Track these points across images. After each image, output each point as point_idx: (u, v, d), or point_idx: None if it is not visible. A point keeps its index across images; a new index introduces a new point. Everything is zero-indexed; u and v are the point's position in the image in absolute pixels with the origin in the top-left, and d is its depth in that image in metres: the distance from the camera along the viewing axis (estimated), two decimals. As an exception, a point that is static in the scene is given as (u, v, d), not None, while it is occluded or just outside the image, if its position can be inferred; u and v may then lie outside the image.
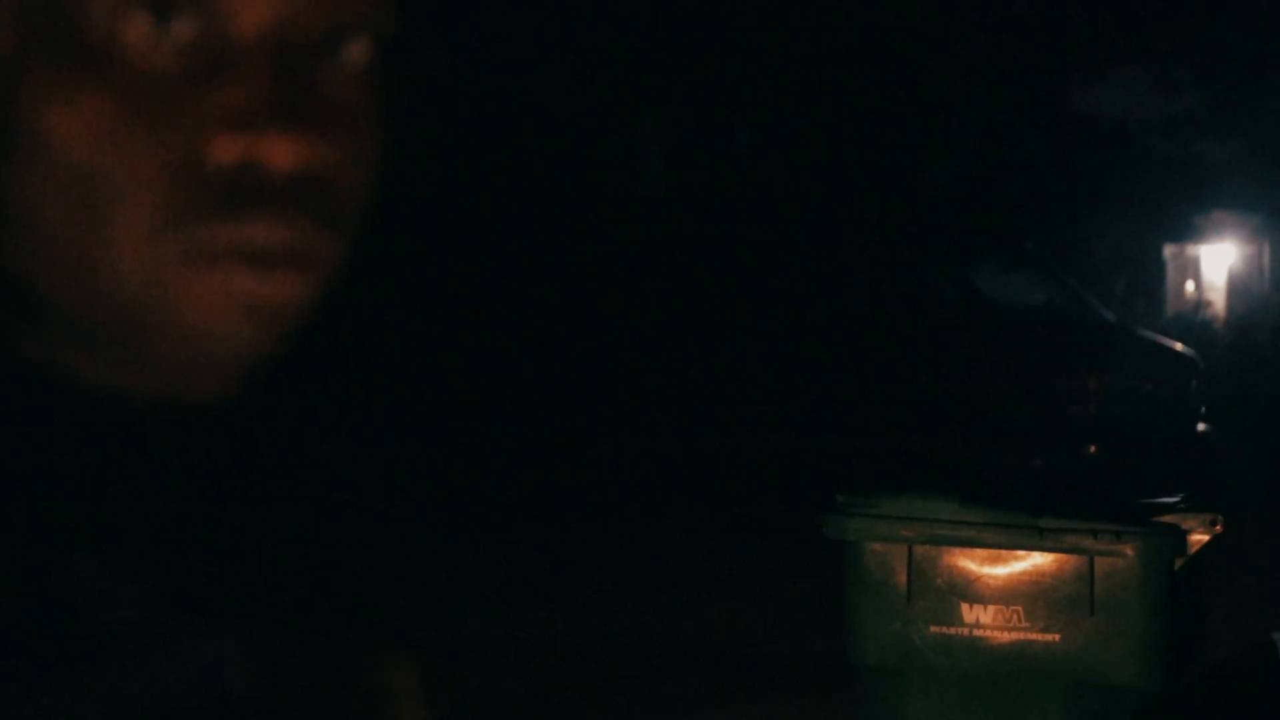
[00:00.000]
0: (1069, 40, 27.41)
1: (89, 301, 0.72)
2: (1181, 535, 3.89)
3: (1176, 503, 4.04)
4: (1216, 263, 35.99)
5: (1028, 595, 3.98)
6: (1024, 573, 3.99)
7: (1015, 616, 3.99)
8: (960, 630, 4.04)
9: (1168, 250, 38.80)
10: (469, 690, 6.65)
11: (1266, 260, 37.86)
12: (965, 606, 4.04)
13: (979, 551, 4.02)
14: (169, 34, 0.69)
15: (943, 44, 22.22)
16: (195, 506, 0.75)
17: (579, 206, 14.88)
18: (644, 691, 6.62)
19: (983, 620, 4.02)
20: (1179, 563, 3.92)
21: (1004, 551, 3.99)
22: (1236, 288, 36.03)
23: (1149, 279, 36.81)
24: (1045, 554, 3.95)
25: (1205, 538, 3.98)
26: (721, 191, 17.27)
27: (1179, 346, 13.51)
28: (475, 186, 14.76)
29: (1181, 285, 39.55)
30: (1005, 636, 4.00)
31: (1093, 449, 11.83)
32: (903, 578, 4.09)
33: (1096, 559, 3.90)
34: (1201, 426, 12.82)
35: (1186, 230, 36.86)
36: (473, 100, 15.84)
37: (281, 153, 0.69)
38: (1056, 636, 3.95)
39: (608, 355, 12.86)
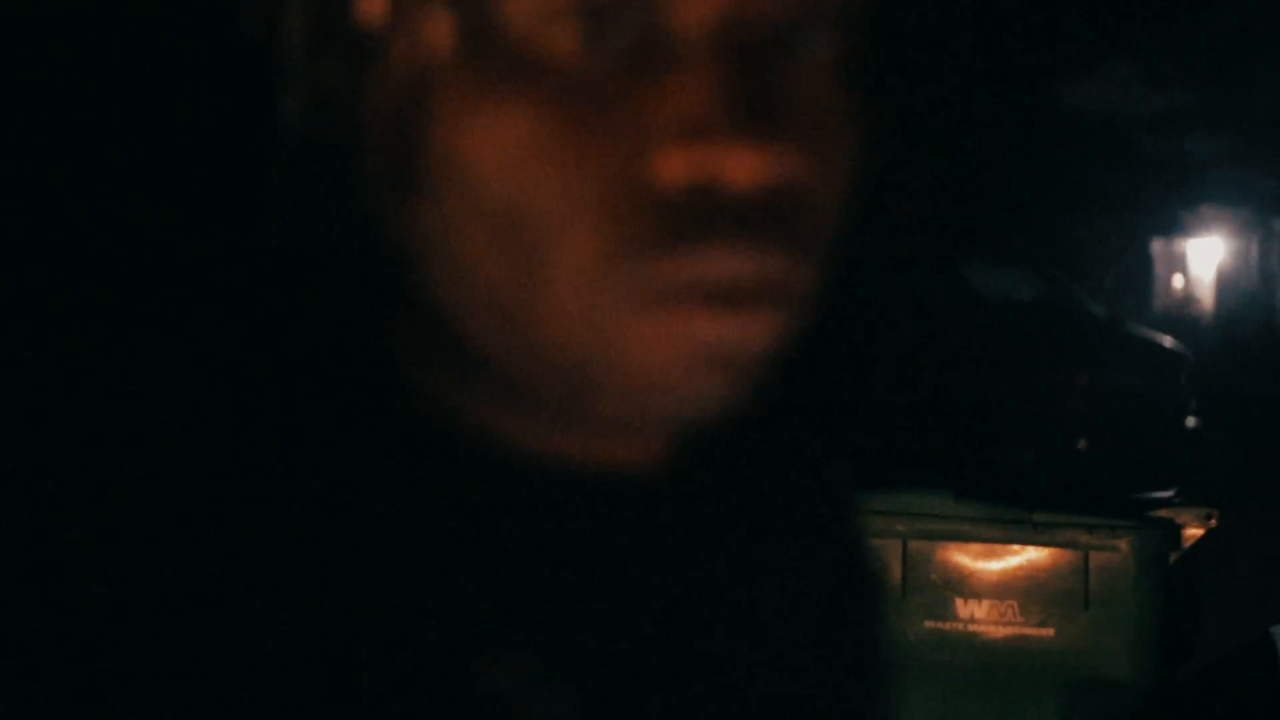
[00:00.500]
0: (1058, 36, 27.46)
1: (524, 354, 0.61)
2: (1176, 529, 3.90)
3: (1170, 497, 4.05)
4: (1204, 258, 36.03)
5: (1022, 590, 3.99)
6: (1019, 567, 4.00)
7: (1010, 611, 4.00)
8: (955, 625, 4.05)
9: (1155, 245, 38.87)
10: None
11: (1254, 255, 37.93)
12: (960, 601, 4.05)
13: (974, 546, 4.03)
14: (605, 34, 0.58)
15: (932, 39, 22.26)
16: (627, 590, 0.65)
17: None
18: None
19: (978, 615, 4.03)
20: (1173, 557, 3.93)
21: (998, 546, 4.00)
22: (1224, 283, 36.10)
23: (1137, 274, 36.88)
24: (1040, 549, 3.96)
25: (1199, 532, 4.00)
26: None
27: (1168, 341, 13.54)
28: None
29: (1169, 280, 39.62)
30: (1000, 631, 4.01)
31: (1083, 444, 11.86)
32: (897, 573, 4.10)
33: (1091, 554, 3.91)
34: (1191, 421, 12.85)
35: (1174, 225, 36.93)
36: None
37: (743, 168, 0.57)
38: (1051, 631, 3.96)
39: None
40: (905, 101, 21.05)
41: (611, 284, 0.58)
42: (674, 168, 0.57)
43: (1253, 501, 12.19)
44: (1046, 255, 17.23)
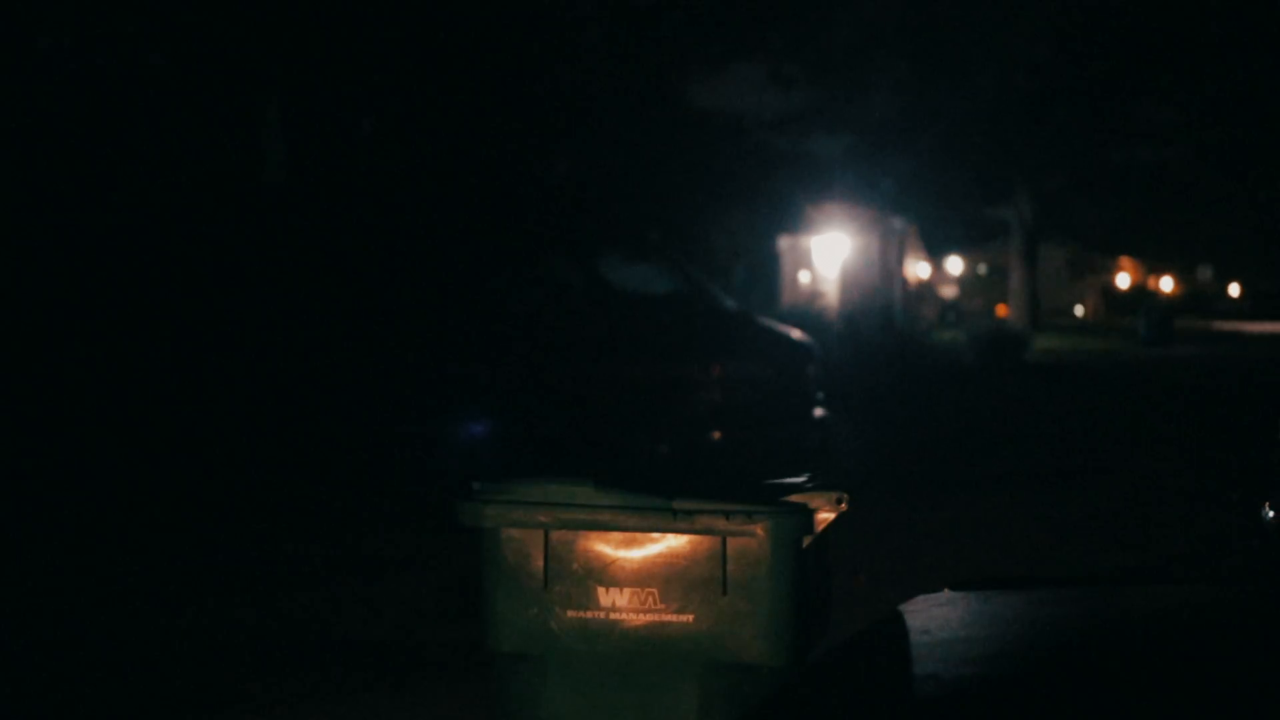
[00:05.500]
0: (686, 35, 28.00)
1: None
2: (809, 514, 3.98)
3: (804, 483, 4.13)
4: (829, 254, 37.35)
5: (663, 577, 4.01)
6: (659, 555, 4.02)
7: (651, 599, 4.02)
8: (597, 614, 4.06)
9: (782, 241, 40.09)
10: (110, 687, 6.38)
11: (876, 252, 39.46)
12: (602, 590, 4.05)
13: (615, 535, 4.03)
14: None
15: (562, 36, 22.43)
16: None
17: (192, 193, 14.45)
18: (280, 683, 6.46)
19: (619, 603, 4.04)
20: (807, 541, 4.02)
21: (639, 534, 4.02)
22: (849, 278, 37.44)
23: (765, 269, 37.95)
24: (679, 535, 3.99)
25: (832, 516, 4.09)
26: (347, 179, 17.03)
27: (797, 334, 13.93)
28: (76, 174, 14.17)
29: (796, 275, 40.88)
30: (641, 619, 4.03)
31: (717, 434, 12.10)
32: (539, 563, 4.08)
33: (729, 539, 3.96)
34: (819, 411, 13.24)
35: (800, 222, 38.15)
36: (73, 85, 15.21)
37: None
38: (691, 617, 3.99)
39: (228, 342, 12.52)
40: (538, 98, 21.14)
41: None
42: None
43: (878, 487, 12.66)
44: (680, 250, 17.54)
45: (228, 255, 12.99)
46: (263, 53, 17.42)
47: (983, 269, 66.13)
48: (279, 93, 17.74)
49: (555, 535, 4.06)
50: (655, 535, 4.01)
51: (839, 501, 4.09)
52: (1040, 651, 2.54)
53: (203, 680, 6.64)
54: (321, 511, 11.30)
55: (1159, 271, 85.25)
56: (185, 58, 16.83)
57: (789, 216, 36.72)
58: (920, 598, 2.98)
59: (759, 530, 3.93)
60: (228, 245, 13.08)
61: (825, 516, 4.07)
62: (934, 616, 2.79)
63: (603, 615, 4.05)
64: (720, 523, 3.94)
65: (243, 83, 17.46)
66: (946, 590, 3.01)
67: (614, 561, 4.05)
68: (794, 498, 4.05)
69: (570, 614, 4.08)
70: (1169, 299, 78.31)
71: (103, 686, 6.53)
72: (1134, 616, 2.77)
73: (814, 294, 37.59)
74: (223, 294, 12.74)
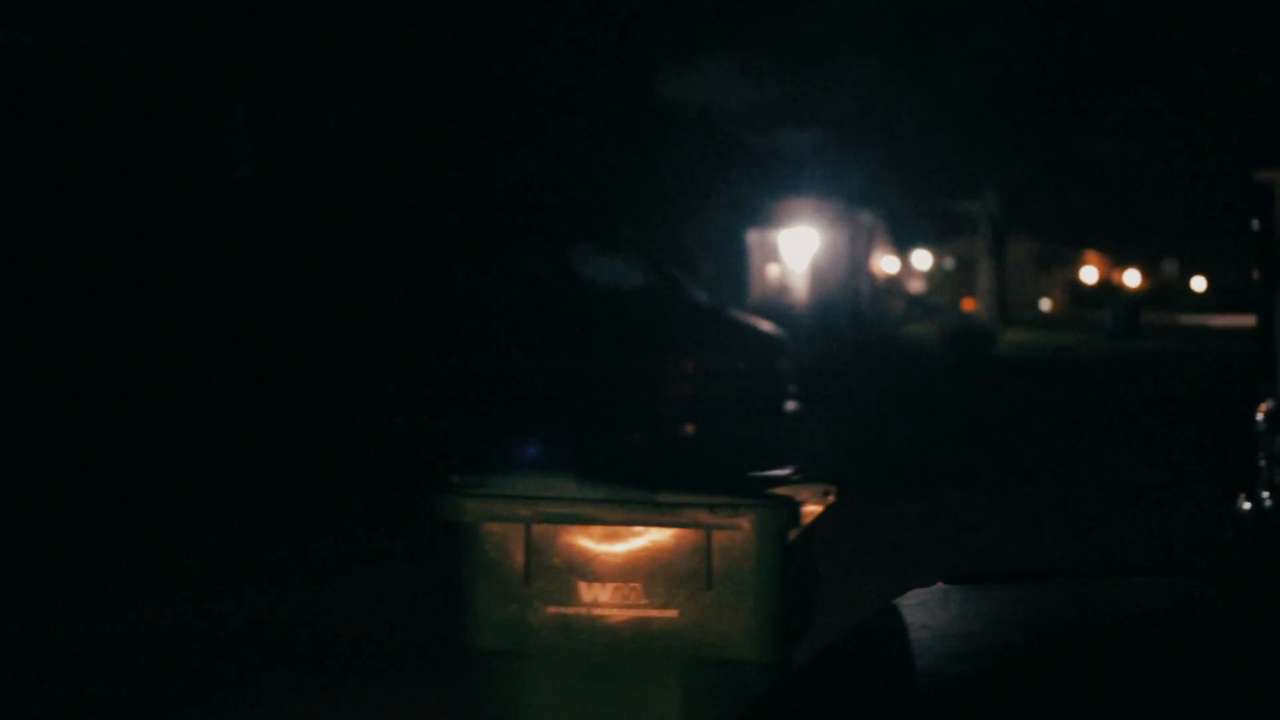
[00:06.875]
0: (655, 28, 27.94)
1: None
2: (796, 507, 3.92)
3: (790, 475, 4.06)
4: (798, 248, 37.33)
5: (646, 571, 3.94)
6: (642, 549, 3.95)
7: (634, 593, 3.95)
8: (579, 610, 3.98)
9: (752, 235, 40.05)
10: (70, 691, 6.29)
11: (844, 246, 39.47)
12: (584, 585, 3.98)
13: (597, 529, 3.96)
14: None
15: (531, 31, 22.34)
16: None
17: (160, 188, 14.33)
18: (255, 682, 6.37)
19: (601, 599, 3.97)
20: (793, 534, 3.95)
21: (622, 528, 3.95)
22: (817, 272, 37.45)
23: (735, 263, 37.91)
24: (663, 529, 3.92)
25: (819, 509, 4.03)
26: (314, 176, 16.93)
27: (768, 326, 13.88)
28: (44, 172, 14.03)
29: (765, 269, 40.87)
30: (624, 614, 3.96)
31: (689, 428, 12.04)
32: (520, 558, 4.01)
33: (714, 533, 3.89)
34: (791, 404, 13.20)
35: (769, 216, 38.12)
36: (39, 82, 15.06)
37: None
38: (675, 612, 3.93)
39: (193, 336, 12.41)
40: (507, 91, 21.05)
41: None
42: None
43: (850, 480, 12.62)
44: (651, 244, 17.48)
45: (191, 249, 12.87)
46: (228, 49, 17.30)
47: (950, 263, 66.29)
48: (245, 89, 17.61)
49: (536, 529, 3.99)
50: (638, 529, 3.94)
51: (825, 494, 4.03)
52: (1037, 648, 2.50)
53: (179, 676, 6.55)
54: (295, 508, 11.20)
55: (1125, 265, 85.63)
56: (148, 54, 16.70)
57: (758, 210, 36.71)
58: (914, 591, 2.93)
59: (745, 523, 3.87)
60: (192, 239, 12.97)
61: (812, 509, 4.01)
62: (930, 611, 2.74)
63: (585, 611, 3.98)
64: (705, 516, 3.88)
65: (208, 79, 17.33)
66: (940, 583, 2.96)
67: (596, 556, 3.98)
68: (779, 490, 3.98)
69: (551, 609, 4.00)
70: (1135, 293, 78.67)
71: (94, 683, 6.43)
72: (1122, 612, 2.75)
73: (783, 288, 37.60)
74: (185, 289, 12.62)
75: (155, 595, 8.29)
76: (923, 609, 2.76)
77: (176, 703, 6.17)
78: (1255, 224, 11.34)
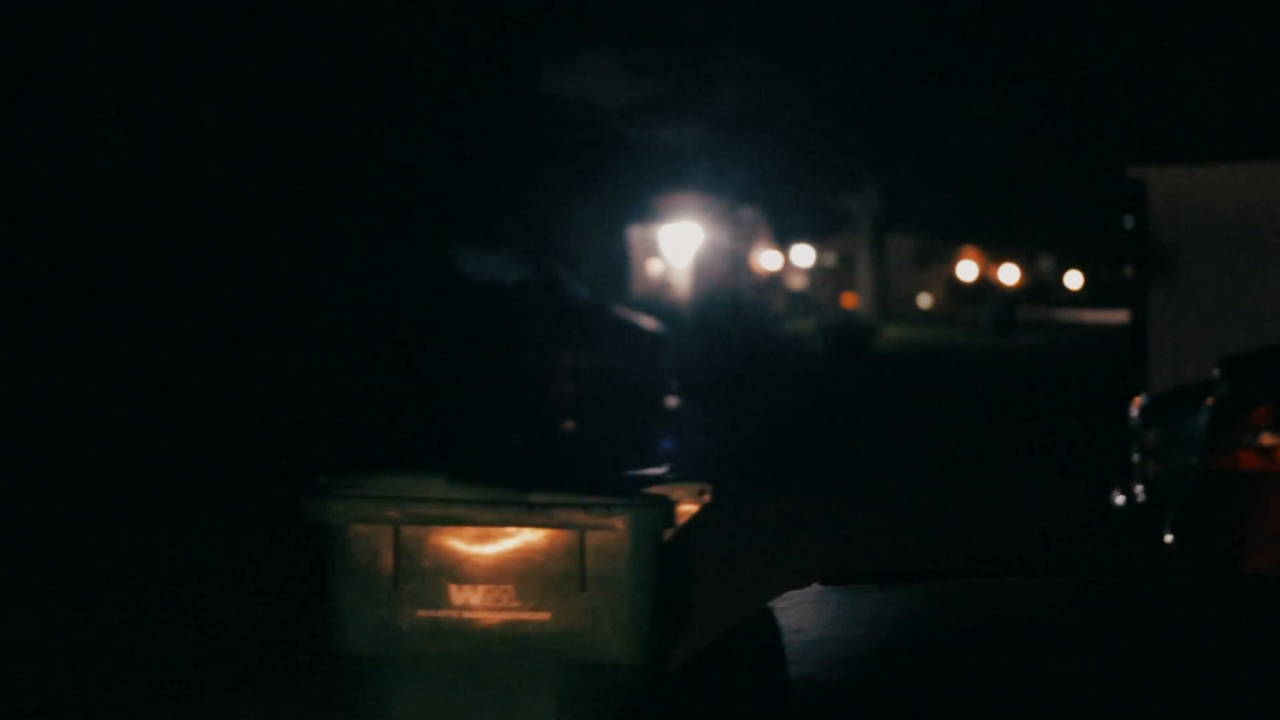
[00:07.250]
0: (534, 20, 27.81)
1: None
2: (671, 506, 3.85)
3: (665, 474, 3.99)
4: (679, 244, 37.38)
5: (519, 573, 3.85)
6: (515, 550, 3.86)
7: (506, 596, 3.86)
8: (449, 613, 3.89)
9: (633, 231, 40.07)
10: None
11: (725, 242, 39.61)
12: (454, 588, 3.88)
13: (468, 530, 3.87)
14: None
15: (409, 22, 22.14)
16: None
17: (28, 181, 13.99)
18: (111, 692, 6.19)
19: (473, 601, 3.88)
20: (669, 534, 3.88)
21: (494, 529, 3.86)
22: (699, 269, 37.52)
23: (616, 258, 37.90)
24: (536, 530, 3.84)
25: (694, 508, 3.96)
26: (190, 169, 16.63)
27: (650, 323, 13.82)
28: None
29: (647, 265, 40.92)
30: (496, 617, 3.87)
31: (570, 425, 11.95)
32: (389, 560, 3.90)
33: (588, 534, 3.81)
34: (672, 400, 13.15)
35: (651, 212, 38.14)
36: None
37: None
38: (548, 615, 3.84)
39: (62, 334, 12.12)
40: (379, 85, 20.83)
41: None
42: None
43: (730, 477, 12.61)
44: (531, 239, 17.37)
45: (55, 245, 12.57)
46: (98, 43, 16.96)
47: (831, 259, 66.75)
48: (116, 82, 17.26)
49: (406, 531, 3.89)
50: (510, 530, 3.85)
51: (701, 493, 3.97)
52: (913, 651, 2.45)
53: (45, 685, 6.36)
54: (160, 508, 10.97)
55: (1002, 261, 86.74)
56: (12, 49, 16.32)
57: (640, 206, 36.70)
58: (790, 593, 2.85)
59: (619, 524, 3.79)
60: (48, 235, 12.66)
61: (687, 509, 3.94)
62: (806, 614, 2.67)
63: (455, 614, 3.89)
64: (579, 516, 3.79)
65: (78, 73, 16.98)
66: (816, 585, 2.89)
67: (467, 558, 3.88)
68: (655, 489, 3.91)
69: (421, 613, 3.90)
70: (1012, 289, 79.69)
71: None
72: (998, 611, 2.72)
73: (664, 284, 37.64)
74: (49, 286, 12.32)
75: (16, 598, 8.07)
76: (798, 611, 2.69)
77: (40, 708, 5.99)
78: (1129, 220, 11.41)
